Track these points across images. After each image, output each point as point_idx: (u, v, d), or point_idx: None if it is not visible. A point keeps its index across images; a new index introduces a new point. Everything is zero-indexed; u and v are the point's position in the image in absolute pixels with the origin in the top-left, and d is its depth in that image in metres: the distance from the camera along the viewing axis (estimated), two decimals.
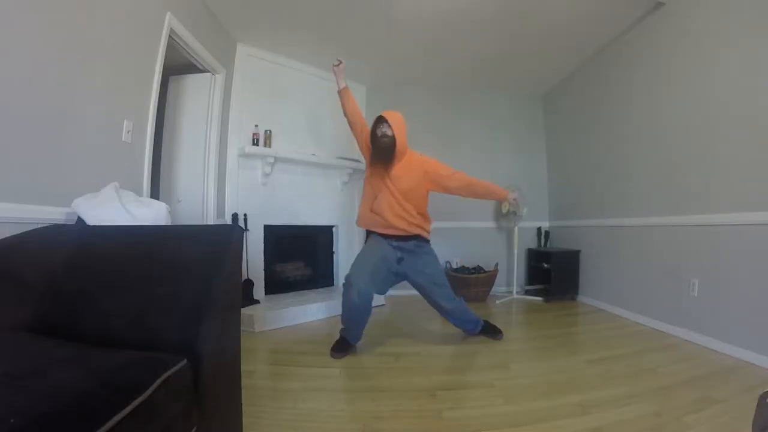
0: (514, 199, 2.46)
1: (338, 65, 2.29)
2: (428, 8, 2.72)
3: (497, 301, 3.58)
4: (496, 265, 3.89)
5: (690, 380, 1.73)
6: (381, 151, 2.10)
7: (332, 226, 3.85)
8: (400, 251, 2.19)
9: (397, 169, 2.15)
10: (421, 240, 2.24)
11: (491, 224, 4.21)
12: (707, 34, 2.27)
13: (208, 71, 2.86)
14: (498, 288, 3.92)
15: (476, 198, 2.45)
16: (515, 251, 3.83)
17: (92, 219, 1.34)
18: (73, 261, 1.07)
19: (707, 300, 2.25)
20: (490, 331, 2.40)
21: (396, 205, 2.15)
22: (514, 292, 3.75)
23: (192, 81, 2.91)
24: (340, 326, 2.18)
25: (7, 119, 1.27)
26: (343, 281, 2.11)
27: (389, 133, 2.08)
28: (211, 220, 2.83)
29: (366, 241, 2.31)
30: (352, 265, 2.13)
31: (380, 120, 2.11)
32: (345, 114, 2.32)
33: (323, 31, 3.05)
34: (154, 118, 2.11)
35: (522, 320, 3.07)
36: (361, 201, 2.33)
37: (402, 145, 2.11)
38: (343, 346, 2.14)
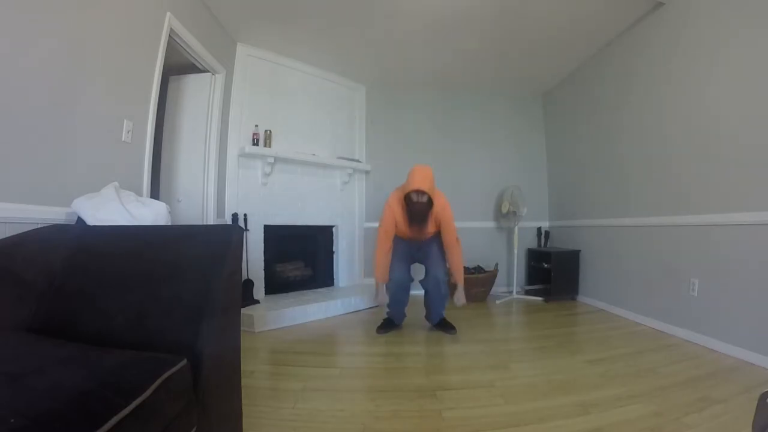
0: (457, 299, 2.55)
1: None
2: (428, 8, 2.72)
3: (497, 301, 3.58)
4: (496, 265, 3.89)
5: (690, 380, 1.73)
6: (418, 216, 2.35)
7: (332, 226, 3.85)
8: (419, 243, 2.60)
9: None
10: (434, 235, 2.58)
11: (491, 224, 4.21)
12: (707, 33, 2.27)
13: (208, 71, 2.86)
14: (498, 288, 3.92)
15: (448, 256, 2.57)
16: (515, 251, 3.83)
17: (92, 219, 1.34)
18: (73, 261, 1.07)
19: (707, 300, 2.25)
20: (447, 325, 2.58)
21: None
22: (514, 292, 3.75)
23: (192, 81, 2.91)
24: (386, 310, 2.66)
25: (7, 119, 1.27)
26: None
27: (424, 199, 2.32)
28: (211, 220, 2.83)
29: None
30: (391, 263, 2.53)
31: (414, 191, 2.32)
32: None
33: (323, 31, 3.05)
34: (154, 118, 2.11)
35: (522, 320, 3.07)
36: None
37: (433, 201, 2.36)
38: (387, 325, 2.60)
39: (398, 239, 2.56)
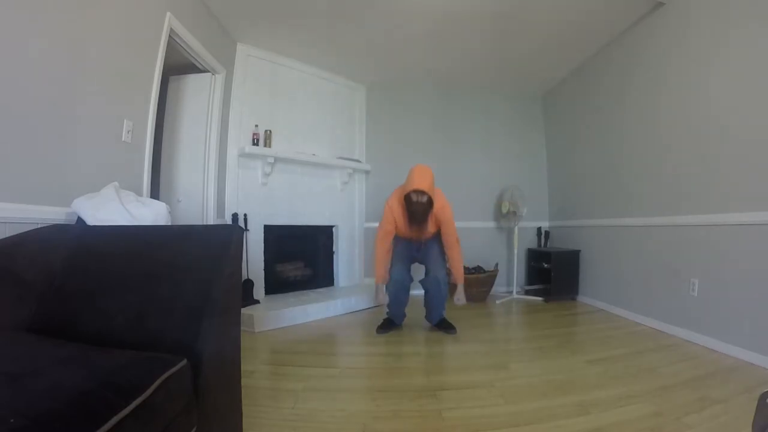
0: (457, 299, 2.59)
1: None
2: (428, 8, 2.72)
3: (497, 301, 3.58)
4: (496, 265, 3.89)
5: (690, 380, 1.73)
6: (418, 216, 2.34)
7: (332, 226, 3.84)
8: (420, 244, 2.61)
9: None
10: (435, 235, 2.59)
11: (491, 224, 4.21)
12: (707, 33, 2.27)
13: (208, 71, 2.86)
14: (498, 288, 3.92)
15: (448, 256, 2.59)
16: (515, 251, 3.83)
17: (92, 219, 1.34)
18: (73, 261, 1.07)
19: (707, 300, 2.25)
20: (447, 325, 2.58)
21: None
22: (514, 292, 3.75)
23: (192, 81, 2.91)
24: (386, 310, 2.64)
25: (8, 119, 1.27)
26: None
27: (423, 199, 2.31)
28: (211, 220, 2.83)
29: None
30: (391, 263, 2.54)
31: (414, 191, 2.31)
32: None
33: (323, 31, 3.05)
34: (154, 118, 2.11)
35: (522, 320, 3.06)
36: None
37: (433, 202, 2.35)
38: (387, 325, 2.60)
39: (398, 239, 2.56)
